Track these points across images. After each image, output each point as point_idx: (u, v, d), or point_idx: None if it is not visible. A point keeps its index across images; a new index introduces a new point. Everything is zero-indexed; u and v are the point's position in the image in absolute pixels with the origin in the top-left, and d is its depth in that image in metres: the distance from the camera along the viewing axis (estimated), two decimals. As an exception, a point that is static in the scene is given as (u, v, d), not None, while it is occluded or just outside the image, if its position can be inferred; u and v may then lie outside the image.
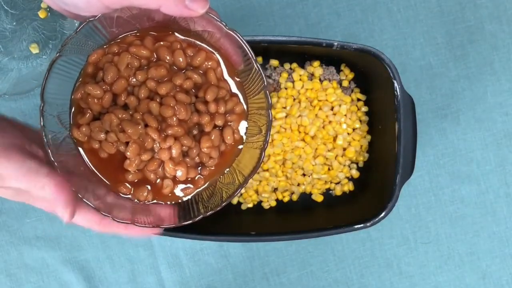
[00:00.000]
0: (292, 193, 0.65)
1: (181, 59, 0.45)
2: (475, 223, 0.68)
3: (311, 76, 0.64)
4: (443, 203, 0.68)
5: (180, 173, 0.45)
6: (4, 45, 0.64)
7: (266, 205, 0.64)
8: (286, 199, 0.64)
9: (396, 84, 0.55)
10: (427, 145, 0.68)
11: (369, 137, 0.64)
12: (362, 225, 0.56)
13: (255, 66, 0.45)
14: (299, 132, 0.63)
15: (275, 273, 0.67)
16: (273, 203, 0.64)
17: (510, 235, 0.68)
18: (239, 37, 0.44)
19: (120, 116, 0.43)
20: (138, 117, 0.43)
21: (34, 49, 0.64)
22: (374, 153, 0.64)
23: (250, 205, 0.64)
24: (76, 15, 0.43)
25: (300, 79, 0.63)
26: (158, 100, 0.44)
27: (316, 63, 0.63)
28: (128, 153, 0.43)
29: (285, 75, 0.63)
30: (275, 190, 0.64)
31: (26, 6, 0.64)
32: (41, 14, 0.64)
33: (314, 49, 0.58)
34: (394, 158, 0.56)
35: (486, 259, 0.68)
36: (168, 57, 0.45)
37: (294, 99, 0.63)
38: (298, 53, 0.63)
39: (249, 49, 0.45)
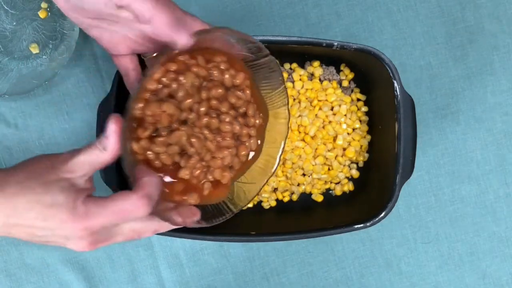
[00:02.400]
0: (292, 193, 0.65)
1: (229, 78, 0.49)
2: (475, 223, 0.68)
3: (311, 76, 0.64)
4: (443, 203, 0.68)
5: (225, 178, 0.50)
6: (4, 45, 0.64)
7: (266, 205, 0.64)
8: (286, 199, 0.64)
9: (396, 84, 0.55)
10: (427, 145, 0.68)
11: (369, 137, 0.64)
12: (362, 225, 0.56)
13: (284, 84, 0.53)
14: (299, 132, 0.63)
15: (275, 273, 0.67)
16: (273, 203, 0.64)
17: (510, 235, 0.68)
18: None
19: (188, 132, 0.46)
20: (199, 132, 0.47)
21: (34, 49, 0.64)
22: (374, 153, 0.64)
23: (250, 205, 0.64)
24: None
25: (300, 79, 0.63)
26: (214, 115, 0.48)
27: (316, 63, 0.63)
28: (188, 164, 0.47)
29: (285, 75, 0.63)
30: (275, 190, 0.64)
31: (26, 6, 0.64)
32: (41, 14, 0.64)
33: (314, 49, 0.58)
34: (394, 158, 0.56)
35: (486, 259, 0.68)
36: (219, 76, 0.49)
37: (294, 99, 0.63)
38: (298, 53, 0.63)
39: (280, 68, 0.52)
